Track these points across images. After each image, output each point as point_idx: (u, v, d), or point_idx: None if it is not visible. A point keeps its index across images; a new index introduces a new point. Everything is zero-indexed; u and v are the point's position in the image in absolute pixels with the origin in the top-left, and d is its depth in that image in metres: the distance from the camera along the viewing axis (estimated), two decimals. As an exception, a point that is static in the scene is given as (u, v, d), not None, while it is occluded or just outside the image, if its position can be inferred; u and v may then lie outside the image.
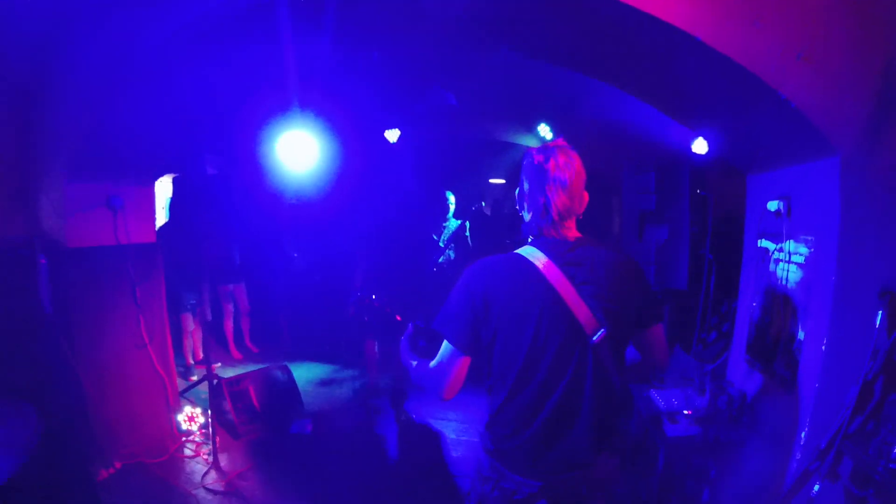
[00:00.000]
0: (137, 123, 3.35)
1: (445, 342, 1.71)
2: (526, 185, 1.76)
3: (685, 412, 2.71)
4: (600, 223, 5.55)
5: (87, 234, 3.58)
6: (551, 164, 1.69)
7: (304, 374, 5.52)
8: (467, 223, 6.17)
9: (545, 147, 1.75)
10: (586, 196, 1.75)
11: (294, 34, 2.62)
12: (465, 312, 1.67)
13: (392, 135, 6.63)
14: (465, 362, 1.70)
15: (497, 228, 7.19)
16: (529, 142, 7.03)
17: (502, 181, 9.40)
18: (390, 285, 4.49)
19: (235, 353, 6.16)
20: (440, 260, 5.97)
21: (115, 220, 3.74)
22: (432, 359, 1.78)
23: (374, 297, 4.00)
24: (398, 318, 1.97)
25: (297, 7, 2.51)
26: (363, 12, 2.72)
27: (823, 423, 2.29)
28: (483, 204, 7.64)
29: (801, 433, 2.45)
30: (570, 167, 1.70)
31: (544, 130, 6.29)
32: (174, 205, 5.54)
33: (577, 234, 1.72)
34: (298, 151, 3.34)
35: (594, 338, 1.61)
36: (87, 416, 3.23)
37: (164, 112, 3.41)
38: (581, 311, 1.61)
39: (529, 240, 1.76)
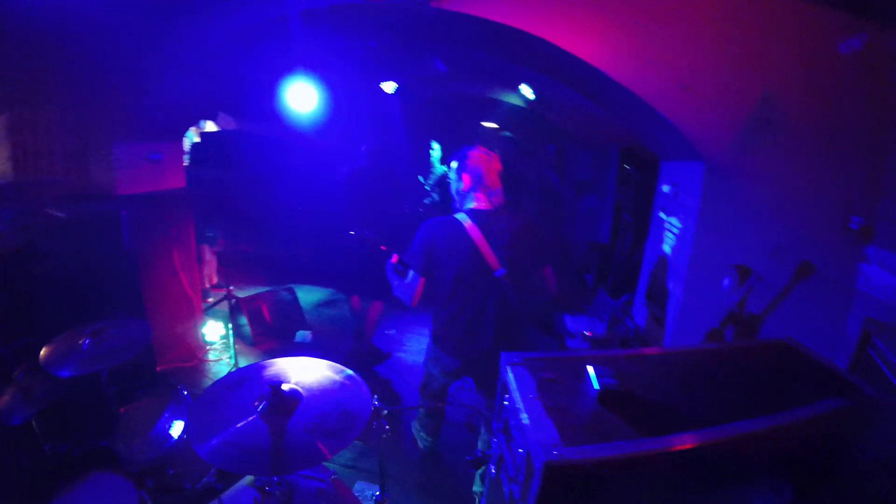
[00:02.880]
0: (171, 98, 4.02)
1: (411, 270, 2.68)
2: (464, 174, 2.69)
3: (586, 333, 3.67)
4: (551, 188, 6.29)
5: (131, 183, 4.20)
6: (483, 163, 2.64)
7: (306, 296, 6.41)
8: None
9: (479, 150, 2.69)
10: (500, 185, 2.68)
11: (300, 32, 3.33)
12: (422, 252, 2.64)
13: (388, 86, 7.16)
14: (422, 282, 2.67)
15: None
16: (513, 100, 7.67)
17: (494, 125, 10.03)
18: (379, 223, 5.20)
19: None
20: (426, 201, 6.74)
21: (154, 171, 4.38)
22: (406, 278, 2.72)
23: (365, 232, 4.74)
24: (383, 248, 2.50)
25: (304, 17, 3.23)
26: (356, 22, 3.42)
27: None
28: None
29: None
30: (494, 167, 2.66)
31: (526, 90, 6.96)
32: (195, 152, 6.25)
33: (493, 207, 2.67)
34: (301, 97, 3.76)
35: (496, 273, 2.55)
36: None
37: (193, 87, 4.07)
38: (489, 256, 2.56)
39: (467, 207, 2.69)
